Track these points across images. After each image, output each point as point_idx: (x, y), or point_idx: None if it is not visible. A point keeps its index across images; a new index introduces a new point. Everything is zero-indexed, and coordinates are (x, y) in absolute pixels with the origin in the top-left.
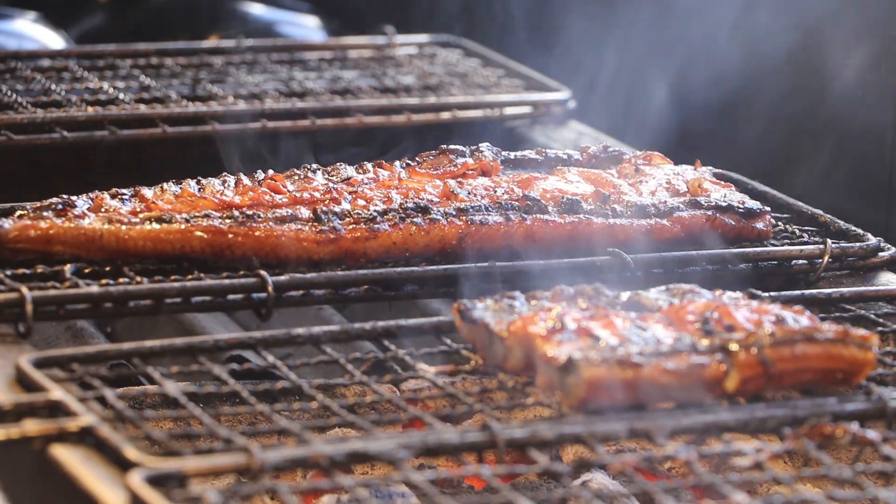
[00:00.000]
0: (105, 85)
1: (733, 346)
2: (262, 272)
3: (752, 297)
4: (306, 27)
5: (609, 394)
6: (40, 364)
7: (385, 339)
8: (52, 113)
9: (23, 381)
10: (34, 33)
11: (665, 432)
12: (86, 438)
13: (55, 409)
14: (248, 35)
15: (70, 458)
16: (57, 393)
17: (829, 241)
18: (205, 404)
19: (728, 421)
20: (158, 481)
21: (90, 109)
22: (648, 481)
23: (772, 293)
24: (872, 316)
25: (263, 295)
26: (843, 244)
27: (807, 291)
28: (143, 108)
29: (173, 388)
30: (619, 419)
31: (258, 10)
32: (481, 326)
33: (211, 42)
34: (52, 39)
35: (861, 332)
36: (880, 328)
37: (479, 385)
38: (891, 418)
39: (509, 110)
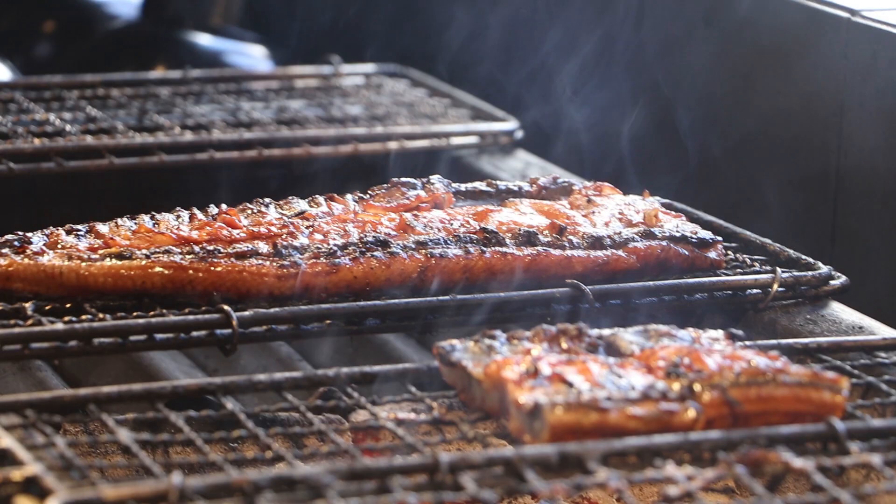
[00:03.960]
0: (52, 116)
1: (697, 386)
2: (226, 308)
3: (732, 336)
4: (253, 57)
5: (576, 439)
6: None
7: (349, 386)
8: None
9: None
10: None
11: (597, 457)
12: (30, 488)
13: (2, 458)
14: (194, 65)
15: None
16: (5, 441)
17: (778, 269)
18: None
19: (661, 444)
20: None
21: (37, 141)
22: None
23: (748, 342)
24: (848, 367)
25: (228, 331)
26: (795, 273)
27: (783, 340)
28: (89, 140)
29: (126, 436)
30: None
31: (204, 40)
32: (460, 369)
33: (157, 73)
34: None
35: (831, 374)
36: (855, 380)
37: (440, 434)
38: (841, 441)
39: (456, 140)
